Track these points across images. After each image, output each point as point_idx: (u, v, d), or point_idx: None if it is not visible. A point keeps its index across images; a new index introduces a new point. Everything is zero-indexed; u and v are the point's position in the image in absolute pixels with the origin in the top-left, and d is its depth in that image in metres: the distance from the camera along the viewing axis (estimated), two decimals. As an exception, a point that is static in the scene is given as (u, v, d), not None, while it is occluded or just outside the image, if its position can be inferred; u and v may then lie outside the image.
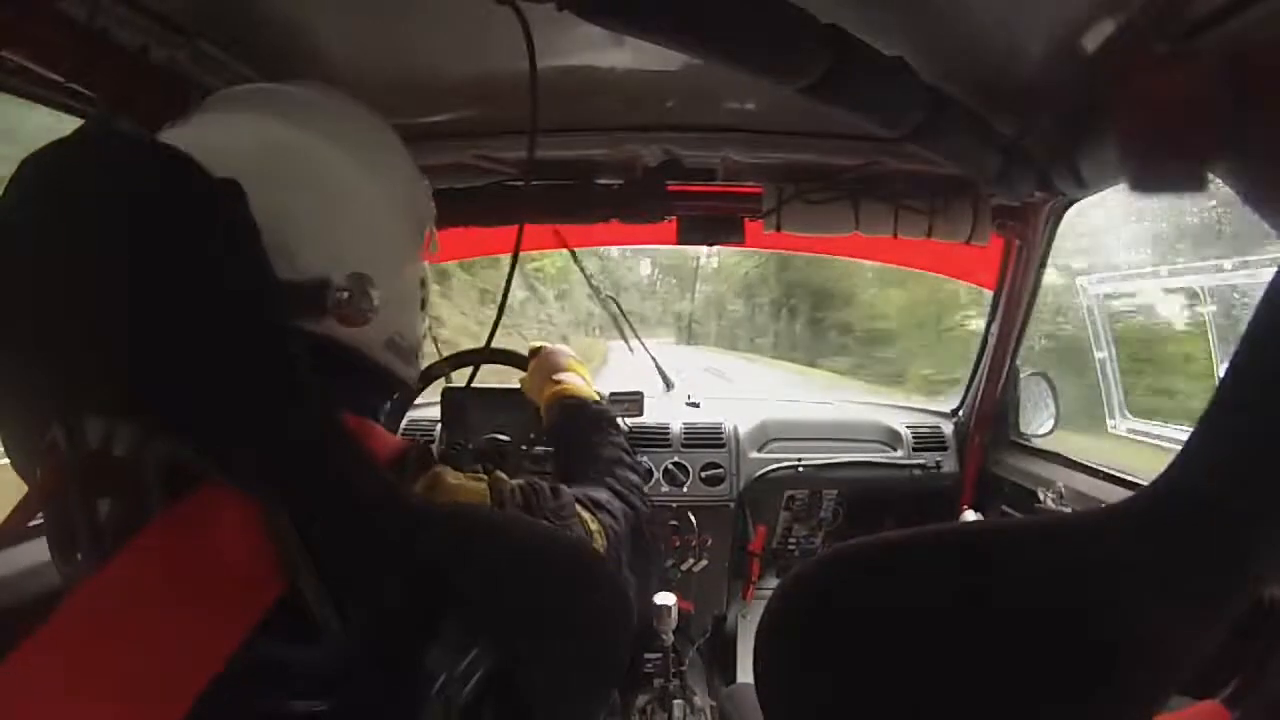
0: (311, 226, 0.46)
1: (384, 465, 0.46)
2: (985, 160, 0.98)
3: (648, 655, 1.49)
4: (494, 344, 0.79)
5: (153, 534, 0.38)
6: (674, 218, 1.35)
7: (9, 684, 0.33)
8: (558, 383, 0.93)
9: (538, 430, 1.29)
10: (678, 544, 1.55)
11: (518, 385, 1.08)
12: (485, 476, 0.53)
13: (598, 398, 0.92)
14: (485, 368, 0.94)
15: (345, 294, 0.46)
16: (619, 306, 1.71)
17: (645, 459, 1.57)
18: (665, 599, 1.36)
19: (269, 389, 0.39)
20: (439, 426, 1.47)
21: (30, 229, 0.40)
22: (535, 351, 1.04)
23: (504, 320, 0.71)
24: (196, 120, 0.48)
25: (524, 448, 1.24)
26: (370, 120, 0.54)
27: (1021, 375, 1.55)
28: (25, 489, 0.44)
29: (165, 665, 0.35)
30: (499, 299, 0.69)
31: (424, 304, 0.58)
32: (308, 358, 0.40)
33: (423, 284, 0.57)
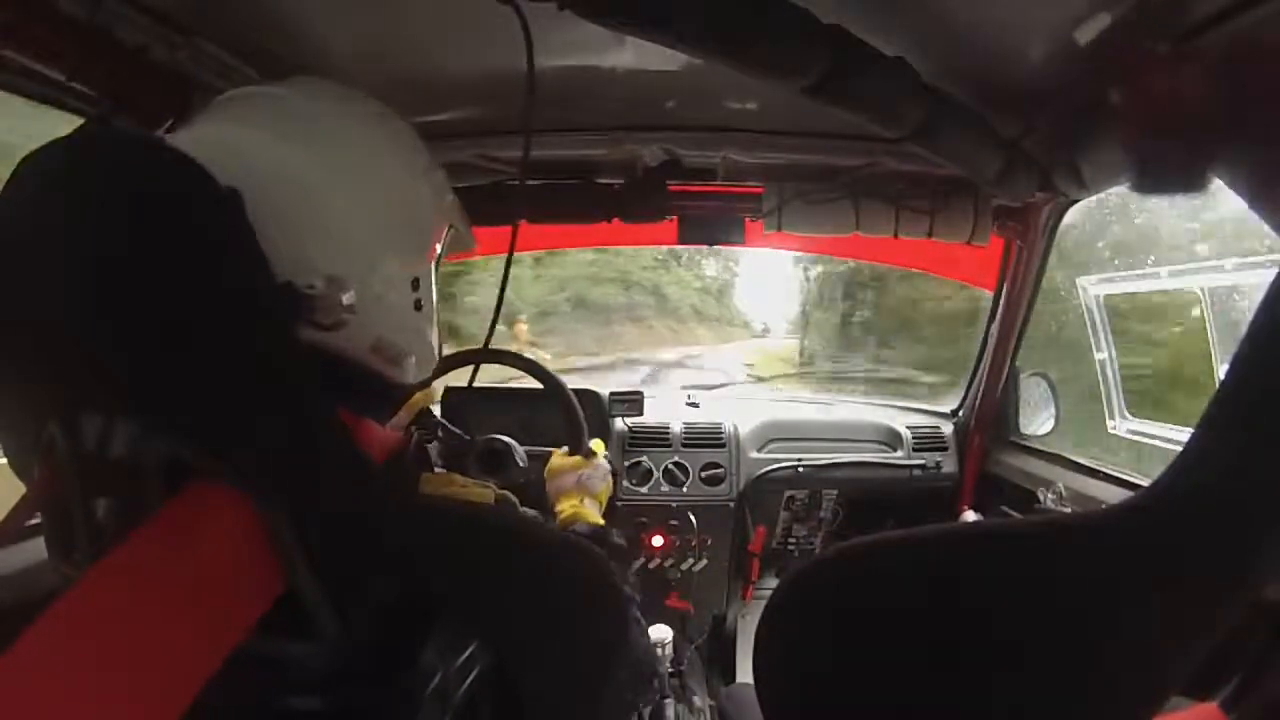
0: (273, 233, 0.43)
1: (380, 462, 0.46)
2: (986, 160, 0.98)
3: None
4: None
5: (150, 531, 0.38)
6: (674, 217, 1.36)
7: (4, 681, 0.33)
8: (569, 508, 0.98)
9: (539, 431, 1.30)
10: (677, 544, 1.56)
11: (519, 386, 1.09)
12: (493, 488, 0.52)
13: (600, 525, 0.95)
14: (485, 367, 0.95)
15: (312, 299, 0.44)
16: None
17: (645, 459, 1.57)
18: (660, 633, 1.35)
19: (263, 388, 0.39)
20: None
21: (29, 227, 0.40)
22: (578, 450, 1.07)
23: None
24: (181, 133, 0.48)
25: (525, 475, 1.24)
26: (358, 117, 0.52)
27: (1021, 375, 1.55)
28: (23, 488, 0.44)
29: (163, 664, 0.35)
30: (499, 293, 0.69)
31: (419, 305, 0.55)
32: (299, 360, 0.39)
33: (415, 285, 0.54)
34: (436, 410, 1.48)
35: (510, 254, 0.67)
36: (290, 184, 0.46)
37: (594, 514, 0.99)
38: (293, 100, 0.51)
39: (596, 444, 1.08)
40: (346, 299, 0.46)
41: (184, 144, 0.41)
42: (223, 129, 0.48)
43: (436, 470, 0.50)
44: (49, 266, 0.39)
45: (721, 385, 2.01)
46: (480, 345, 0.87)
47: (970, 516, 1.52)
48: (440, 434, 1.18)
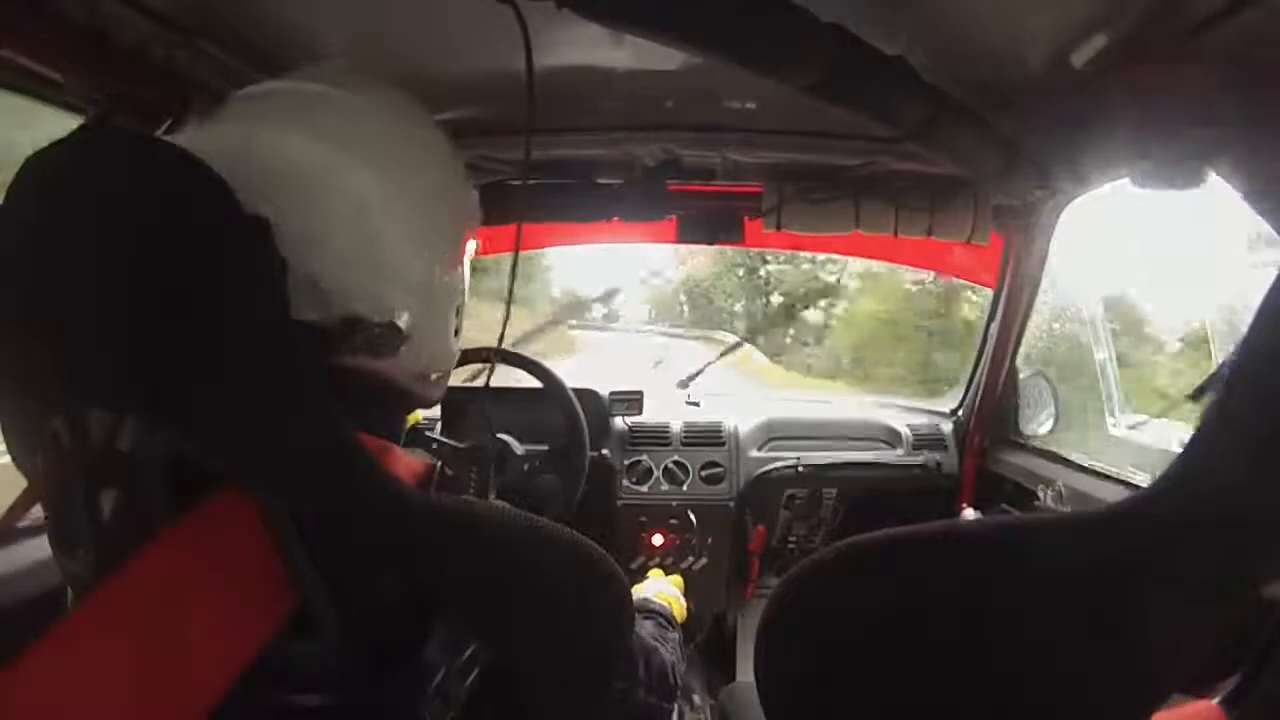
0: (344, 265, 0.44)
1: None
2: (985, 159, 0.98)
3: None
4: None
5: (169, 540, 0.38)
6: (674, 217, 1.36)
7: (25, 685, 0.33)
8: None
9: (539, 431, 1.30)
10: (677, 543, 1.56)
11: (519, 386, 1.09)
12: None
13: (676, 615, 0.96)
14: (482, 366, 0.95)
15: (376, 330, 0.45)
16: None
17: (645, 458, 1.57)
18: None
19: (263, 387, 0.39)
20: (439, 426, 1.48)
21: (34, 227, 0.40)
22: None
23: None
24: (222, 128, 0.45)
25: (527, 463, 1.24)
26: (409, 122, 0.51)
27: (1021, 375, 1.55)
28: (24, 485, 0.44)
29: (181, 672, 0.35)
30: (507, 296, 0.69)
31: (458, 331, 0.55)
32: (326, 381, 0.39)
33: (457, 312, 0.54)
34: (435, 412, 1.48)
35: (516, 254, 0.67)
36: (360, 208, 0.44)
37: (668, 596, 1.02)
38: (348, 103, 0.48)
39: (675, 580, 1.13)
40: (406, 328, 0.46)
41: (234, 145, 0.41)
42: (273, 132, 0.44)
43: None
44: (53, 266, 0.39)
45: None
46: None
47: (970, 515, 1.52)
48: (434, 446, 1.18)
